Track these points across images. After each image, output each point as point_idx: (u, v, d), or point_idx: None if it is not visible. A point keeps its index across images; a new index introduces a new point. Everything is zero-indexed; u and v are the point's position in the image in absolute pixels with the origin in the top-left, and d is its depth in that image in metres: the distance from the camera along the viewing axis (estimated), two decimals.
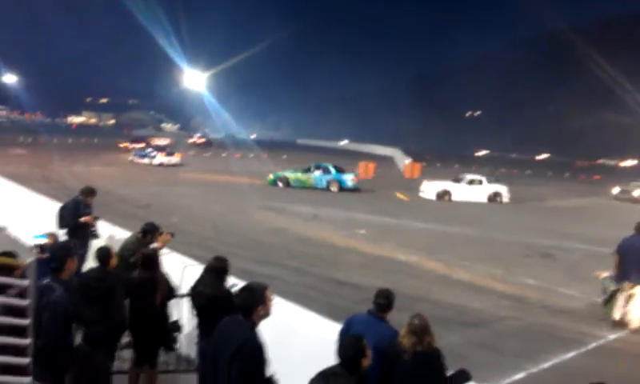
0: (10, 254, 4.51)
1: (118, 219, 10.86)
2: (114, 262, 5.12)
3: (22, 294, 3.72)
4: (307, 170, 27.56)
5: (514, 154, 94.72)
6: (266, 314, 3.33)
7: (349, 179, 26.81)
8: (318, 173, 27.08)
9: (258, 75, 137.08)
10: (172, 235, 6.53)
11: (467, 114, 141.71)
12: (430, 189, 25.95)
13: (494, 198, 25.73)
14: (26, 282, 3.64)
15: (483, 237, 16.61)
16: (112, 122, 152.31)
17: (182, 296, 5.70)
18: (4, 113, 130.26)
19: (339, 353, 3.31)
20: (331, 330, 4.57)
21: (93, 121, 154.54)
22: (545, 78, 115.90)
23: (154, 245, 6.14)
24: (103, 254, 5.01)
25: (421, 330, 3.71)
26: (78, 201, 8.12)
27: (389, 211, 20.73)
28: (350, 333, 3.92)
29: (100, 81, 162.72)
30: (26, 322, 3.60)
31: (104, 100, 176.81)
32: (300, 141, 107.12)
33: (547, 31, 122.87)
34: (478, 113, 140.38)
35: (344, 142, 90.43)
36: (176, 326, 5.38)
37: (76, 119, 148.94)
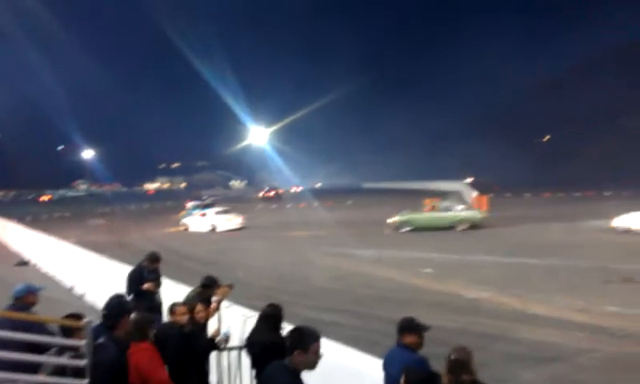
0: (77, 316, 4.74)
1: (185, 277, 11.16)
2: (178, 317, 5.27)
3: (80, 354, 3.88)
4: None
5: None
6: (306, 363, 3.29)
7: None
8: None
9: (320, 124, 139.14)
10: (231, 287, 6.60)
11: (536, 140, 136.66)
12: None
13: (213, 228, 30.56)
14: (82, 343, 3.80)
15: (557, 266, 15.74)
16: (183, 184, 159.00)
17: (241, 348, 5.72)
18: (84, 186, 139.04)
19: None
20: None
21: (166, 186, 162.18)
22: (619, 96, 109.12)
23: (214, 298, 6.25)
24: (169, 308, 5.25)
25: (457, 367, 3.37)
26: (142, 267, 8.31)
27: (456, 248, 20.10)
28: (384, 368, 3.96)
29: (171, 147, 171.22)
30: (84, 382, 3.74)
31: (176, 164, 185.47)
32: (366, 185, 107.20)
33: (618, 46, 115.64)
34: (548, 137, 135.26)
35: (410, 182, 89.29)
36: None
37: (151, 186, 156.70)
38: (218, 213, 32.59)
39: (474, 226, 25.09)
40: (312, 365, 3.36)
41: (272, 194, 69.70)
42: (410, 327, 3.99)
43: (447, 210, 26.37)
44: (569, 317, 10.32)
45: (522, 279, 14.06)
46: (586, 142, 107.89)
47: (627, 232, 20.63)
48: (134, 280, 8.12)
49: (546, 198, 45.46)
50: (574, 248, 18.50)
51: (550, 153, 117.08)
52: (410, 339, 3.94)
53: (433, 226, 25.49)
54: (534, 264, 16.12)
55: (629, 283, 12.92)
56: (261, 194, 70.94)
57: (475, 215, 26.02)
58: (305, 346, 3.28)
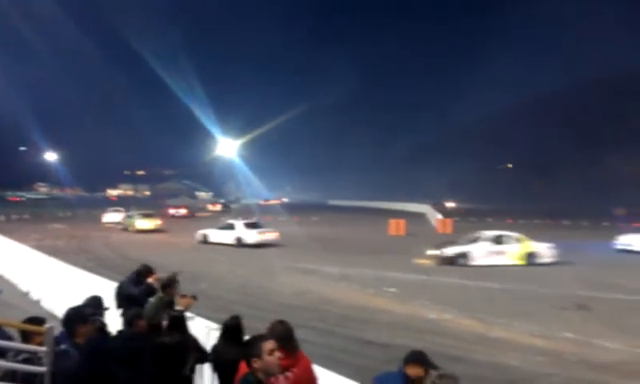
0: (38, 321, 4.62)
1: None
2: (142, 324, 5.14)
3: (39, 360, 3.79)
4: None
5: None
6: (263, 369, 3.19)
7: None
8: None
9: (286, 139, 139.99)
10: (194, 298, 6.52)
11: (500, 167, 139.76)
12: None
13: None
14: (42, 349, 3.71)
15: (516, 290, 16.11)
16: (147, 192, 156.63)
17: (205, 360, 5.65)
18: (45, 189, 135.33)
19: None
20: None
21: (130, 192, 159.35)
22: (582, 128, 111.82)
23: (178, 307, 6.14)
24: (131, 316, 5.07)
25: None
26: (130, 281, 7.57)
27: (419, 268, 20.34)
28: None
29: (137, 154, 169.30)
30: None
31: (141, 172, 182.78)
32: (331, 202, 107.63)
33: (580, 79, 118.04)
34: (510, 165, 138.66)
35: (376, 202, 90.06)
36: None
37: (114, 192, 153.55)
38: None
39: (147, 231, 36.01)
40: (274, 367, 3.22)
41: (270, 202, 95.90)
42: (417, 359, 3.88)
43: (130, 218, 38.32)
44: (529, 341, 10.57)
45: (484, 302, 14.33)
46: (561, 173, 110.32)
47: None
48: (121, 295, 7.48)
49: (508, 224, 46.43)
50: (531, 274, 19.01)
51: (518, 180, 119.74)
52: (414, 371, 3.82)
53: (129, 227, 37.09)
54: (493, 288, 16.46)
55: (583, 310, 13.35)
56: (262, 202, 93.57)
57: (143, 224, 36.80)
58: (255, 351, 3.18)
